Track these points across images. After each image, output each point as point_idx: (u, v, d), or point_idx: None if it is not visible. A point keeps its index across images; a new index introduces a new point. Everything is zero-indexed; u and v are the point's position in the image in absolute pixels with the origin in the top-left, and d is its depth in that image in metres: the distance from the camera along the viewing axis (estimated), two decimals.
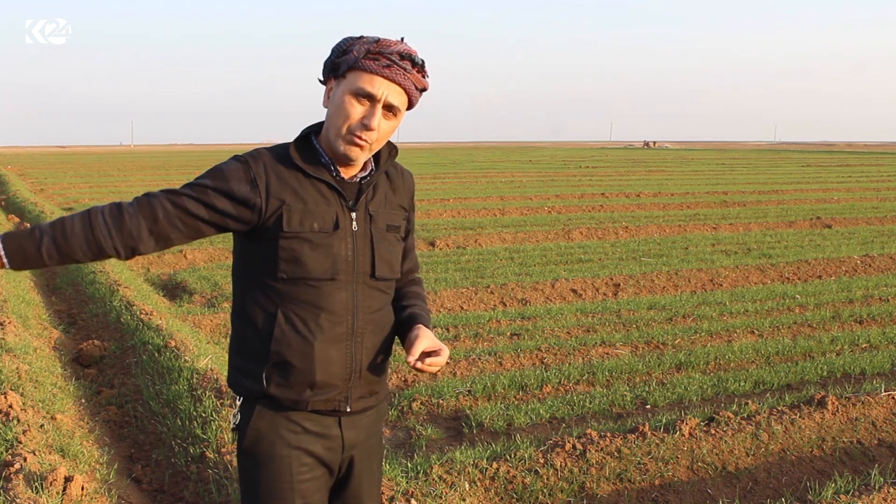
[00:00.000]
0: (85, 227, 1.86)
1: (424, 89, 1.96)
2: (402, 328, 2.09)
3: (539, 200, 20.47)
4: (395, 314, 2.11)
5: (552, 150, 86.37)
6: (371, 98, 1.87)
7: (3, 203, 20.41)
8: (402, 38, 1.92)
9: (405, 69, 1.88)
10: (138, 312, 6.93)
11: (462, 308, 8.38)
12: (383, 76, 1.87)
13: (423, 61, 1.92)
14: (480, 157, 61.45)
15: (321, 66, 1.97)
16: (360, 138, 1.89)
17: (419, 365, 1.94)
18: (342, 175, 1.96)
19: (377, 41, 1.87)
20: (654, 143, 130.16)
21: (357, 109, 1.88)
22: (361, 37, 1.91)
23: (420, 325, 2.04)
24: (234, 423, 2.02)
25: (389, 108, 1.90)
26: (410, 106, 1.97)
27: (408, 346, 1.99)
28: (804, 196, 22.38)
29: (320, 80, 1.98)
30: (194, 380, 5.05)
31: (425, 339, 1.98)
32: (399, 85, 1.88)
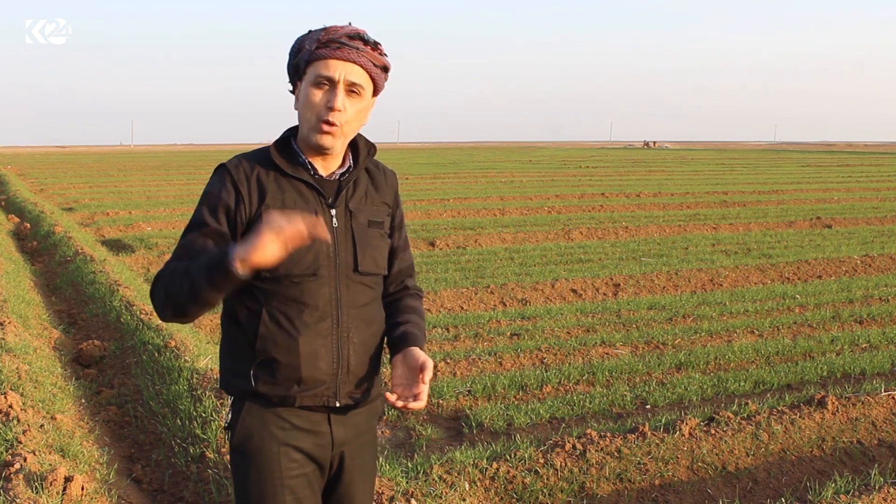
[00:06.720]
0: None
1: (386, 68, 2.00)
2: (395, 346, 2.06)
3: (539, 200, 20.47)
4: (388, 329, 2.10)
5: (552, 150, 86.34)
6: (330, 81, 1.92)
7: (3, 203, 20.40)
8: (350, 23, 1.96)
9: (357, 48, 1.92)
10: (138, 312, 6.93)
11: (462, 308, 8.38)
12: (337, 58, 1.91)
13: (375, 40, 1.96)
14: (480, 157, 61.40)
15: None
16: (328, 123, 1.92)
17: (399, 404, 1.95)
18: (320, 173, 1.99)
19: (324, 30, 1.94)
20: (654, 143, 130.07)
21: (320, 96, 1.93)
22: (310, 32, 1.96)
23: (410, 350, 2.01)
24: (226, 422, 2.04)
25: (352, 87, 1.94)
26: (377, 88, 2.00)
27: (392, 380, 2.01)
28: (804, 196, 22.38)
29: (290, 91, 2.02)
30: (194, 380, 5.05)
31: (404, 371, 1.98)
32: (355, 63, 1.93)
